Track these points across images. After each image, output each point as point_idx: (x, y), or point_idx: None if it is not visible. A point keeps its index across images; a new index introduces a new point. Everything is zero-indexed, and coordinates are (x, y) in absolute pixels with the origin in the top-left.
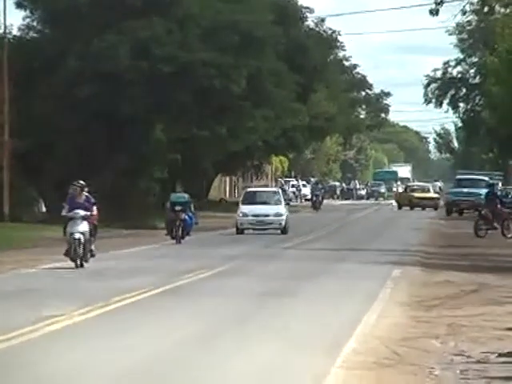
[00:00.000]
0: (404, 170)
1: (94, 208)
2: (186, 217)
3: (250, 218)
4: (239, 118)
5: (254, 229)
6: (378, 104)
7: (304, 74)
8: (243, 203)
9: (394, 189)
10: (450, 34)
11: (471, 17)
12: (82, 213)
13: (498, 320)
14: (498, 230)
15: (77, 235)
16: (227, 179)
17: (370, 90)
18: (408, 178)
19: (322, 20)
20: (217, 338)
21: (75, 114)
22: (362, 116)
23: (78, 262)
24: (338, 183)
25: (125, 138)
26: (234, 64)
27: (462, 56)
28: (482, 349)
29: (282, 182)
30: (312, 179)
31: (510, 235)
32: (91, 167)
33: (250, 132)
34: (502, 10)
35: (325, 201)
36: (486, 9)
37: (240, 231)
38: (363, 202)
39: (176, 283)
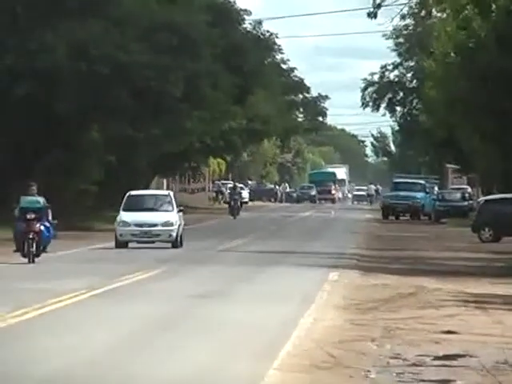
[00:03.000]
0: (340, 172)
1: None
2: (42, 227)
3: (133, 228)
4: (176, 120)
5: (138, 241)
6: (315, 107)
7: (241, 76)
8: (124, 209)
9: (333, 191)
10: (387, 39)
11: (408, 21)
12: None
13: (434, 323)
14: None
15: None
16: (164, 181)
17: (308, 93)
18: (344, 180)
19: (260, 22)
20: None
21: (10, 111)
22: (299, 119)
23: None
24: (272, 186)
25: (61, 137)
26: (171, 65)
27: (399, 60)
28: (417, 352)
29: (220, 184)
30: (249, 182)
31: None
32: (26, 166)
33: (186, 133)
34: (439, 14)
35: (261, 203)
36: (423, 13)
37: (121, 244)
38: (297, 205)
39: None
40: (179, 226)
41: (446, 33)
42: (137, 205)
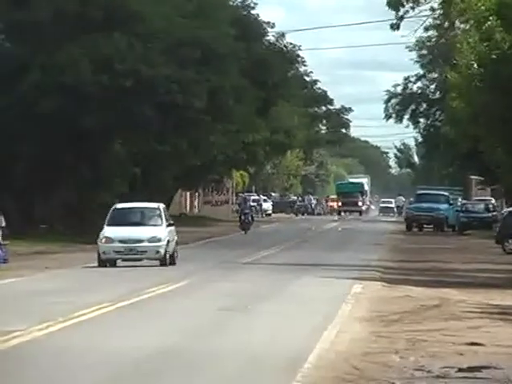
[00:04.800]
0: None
1: None
2: None
3: (117, 244)
4: (200, 133)
5: (122, 259)
6: (338, 119)
7: (265, 88)
8: (109, 224)
9: (360, 203)
10: (410, 50)
11: (431, 32)
12: None
13: (458, 335)
14: None
15: None
16: (187, 194)
17: (331, 105)
18: (366, 191)
19: (283, 35)
20: None
21: (37, 126)
22: (322, 131)
23: None
24: (295, 198)
25: (86, 151)
26: (195, 79)
27: (422, 72)
28: (441, 364)
29: (243, 196)
30: (273, 194)
31: None
32: (53, 180)
33: (210, 146)
34: (462, 25)
35: (284, 215)
36: (446, 24)
37: (104, 263)
38: (317, 217)
39: None
40: (168, 241)
41: (468, 44)
42: (123, 219)
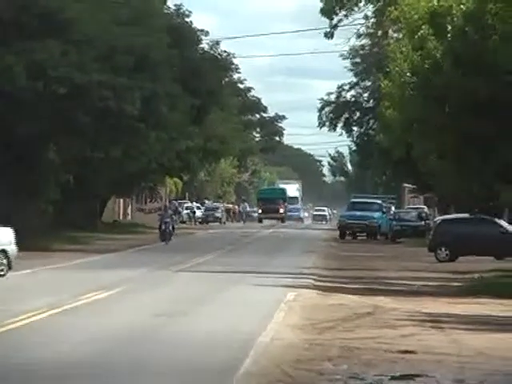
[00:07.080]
0: (291, 189)
1: None
2: None
3: None
4: (134, 140)
5: None
6: (272, 127)
7: (199, 96)
8: None
9: (281, 210)
10: (344, 59)
11: (365, 41)
12: None
13: (391, 343)
14: None
15: None
16: (121, 201)
17: (265, 112)
18: (296, 198)
19: (217, 43)
20: None
21: None
22: (256, 139)
23: None
24: (230, 206)
25: (20, 157)
26: (128, 86)
27: (355, 80)
28: (374, 371)
29: (176, 204)
30: (206, 201)
31: None
32: None
33: (144, 154)
34: (395, 34)
35: (217, 223)
36: (379, 33)
37: None
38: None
39: None
40: None
41: (401, 53)
42: None
